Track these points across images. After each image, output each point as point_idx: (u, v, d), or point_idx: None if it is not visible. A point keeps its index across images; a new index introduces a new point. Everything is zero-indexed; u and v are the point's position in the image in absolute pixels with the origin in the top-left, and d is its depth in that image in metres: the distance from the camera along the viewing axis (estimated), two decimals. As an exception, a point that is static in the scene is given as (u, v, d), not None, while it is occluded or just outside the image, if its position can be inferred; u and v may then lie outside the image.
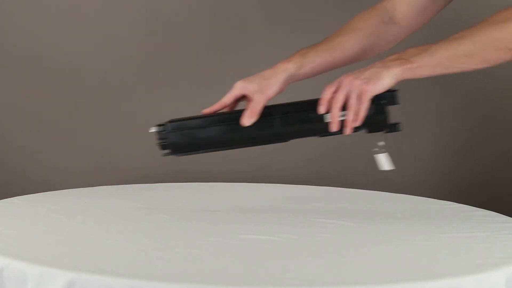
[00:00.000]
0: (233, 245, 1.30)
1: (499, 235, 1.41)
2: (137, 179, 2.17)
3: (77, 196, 1.69)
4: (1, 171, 2.34)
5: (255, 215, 1.55)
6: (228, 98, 1.54)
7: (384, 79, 1.43)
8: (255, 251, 1.27)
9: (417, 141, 2.34)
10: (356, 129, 1.46)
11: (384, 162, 1.51)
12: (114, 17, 2.30)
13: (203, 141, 1.52)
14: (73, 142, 2.34)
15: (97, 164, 2.34)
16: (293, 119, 1.50)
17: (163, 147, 1.51)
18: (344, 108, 1.44)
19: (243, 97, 1.54)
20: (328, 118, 1.45)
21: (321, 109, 1.45)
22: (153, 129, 1.51)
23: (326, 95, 1.45)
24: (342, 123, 1.45)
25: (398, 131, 1.48)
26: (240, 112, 1.50)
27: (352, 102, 1.43)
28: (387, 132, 1.48)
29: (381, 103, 1.46)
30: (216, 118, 1.52)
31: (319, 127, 1.47)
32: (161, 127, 1.50)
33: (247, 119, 1.49)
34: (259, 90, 1.52)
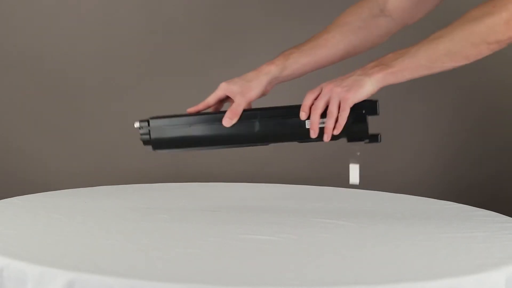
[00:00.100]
0: (233, 245, 1.30)
1: (499, 235, 1.41)
2: (137, 179, 2.18)
3: (77, 196, 1.69)
4: (1, 171, 2.34)
5: (255, 215, 1.55)
6: (211, 99, 1.56)
7: (365, 87, 1.43)
8: (255, 251, 1.27)
9: (417, 141, 2.35)
10: (336, 137, 1.46)
11: (353, 174, 1.51)
12: (114, 17, 2.31)
13: (184, 139, 1.53)
14: (73, 142, 2.34)
15: (97, 164, 2.34)
16: (274, 123, 1.51)
17: (145, 142, 1.54)
18: (324, 115, 1.44)
19: (227, 98, 1.55)
20: (308, 124, 1.46)
21: (302, 116, 1.46)
22: (136, 125, 1.53)
23: (307, 101, 1.46)
24: (322, 130, 1.45)
25: (378, 142, 1.48)
26: (221, 113, 1.52)
27: (332, 110, 1.43)
28: (367, 143, 1.48)
29: (362, 112, 1.47)
30: (198, 117, 1.54)
31: (299, 132, 1.48)
32: (144, 122, 1.53)
33: (227, 120, 1.50)
34: (241, 92, 1.53)
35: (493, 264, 1.20)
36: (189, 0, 2.31)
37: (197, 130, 1.53)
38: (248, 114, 1.51)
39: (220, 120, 1.51)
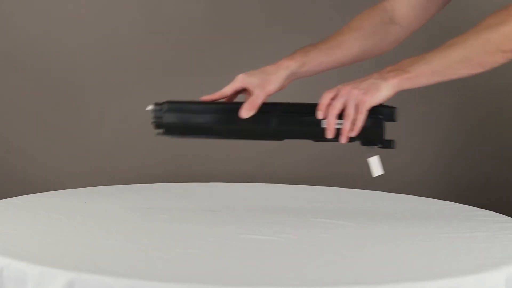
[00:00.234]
0: (233, 245, 1.30)
1: (499, 235, 1.41)
2: (137, 179, 2.18)
3: (77, 196, 1.69)
4: (1, 171, 2.34)
5: (255, 215, 1.55)
6: (228, 89, 1.54)
7: (382, 91, 1.43)
8: (255, 251, 1.27)
9: (417, 141, 2.35)
10: (351, 139, 1.46)
11: (375, 166, 1.51)
12: (114, 17, 2.31)
13: (198, 126, 1.52)
14: (73, 142, 2.34)
15: (97, 164, 2.34)
16: (291, 119, 1.50)
17: (157, 126, 1.51)
18: (340, 116, 1.45)
19: (242, 90, 1.54)
20: (325, 123, 1.46)
21: (319, 115, 1.45)
22: (150, 107, 1.51)
23: (324, 100, 1.45)
24: (338, 131, 1.45)
25: (392, 148, 1.49)
26: (238, 104, 1.50)
27: (350, 112, 1.43)
28: (380, 148, 1.49)
29: (379, 117, 1.47)
30: (214, 106, 1.52)
31: (315, 131, 1.47)
32: (158, 106, 1.51)
33: (246, 112, 1.49)
34: (260, 85, 1.52)
35: (493, 264, 1.20)
36: (189, 0, 2.31)
37: (213, 118, 1.51)
38: (266, 107, 1.50)
39: (237, 111, 1.48)
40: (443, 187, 2.36)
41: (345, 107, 1.44)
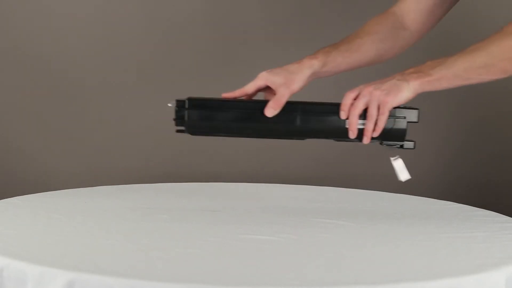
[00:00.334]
0: (233, 245, 1.30)
1: (499, 235, 1.41)
2: (137, 179, 2.18)
3: (77, 196, 1.69)
4: (1, 171, 2.34)
5: (255, 215, 1.55)
6: (250, 87, 1.53)
7: (404, 92, 1.44)
8: (255, 251, 1.27)
9: (417, 141, 2.34)
10: (373, 139, 1.47)
11: (401, 170, 1.52)
12: (114, 17, 2.31)
13: (220, 124, 1.49)
14: (73, 142, 2.34)
15: (97, 164, 2.34)
16: (314, 119, 1.49)
17: (178, 123, 1.49)
18: (362, 116, 1.45)
19: (264, 89, 1.54)
20: (347, 124, 1.46)
21: (342, 115, 1.46)
22: (171, 104, 1.48)
23: (347, 100, 1.46)
24: (360, 131, 1.45)
25: (412, 148, 1.49)
26: (262, 103, 1.48)
27: (372, 112, 1.44)
28: (400, 148, 1.49)
29: (401, 118, 1.47)
30: (237, 104, 1.50)
31: (337, 131, 1.48)
32: (180, 102, 1.48)
33: (271, 110, 1.48)
34: (285, 84, 1.51)
35: (493, 264, 1.20)
36: (189, 0, 2.31)
37: (236, 117, 1.49)
38: (289, 107, 1.48)
39: (261, 109, 1.47)
40: (443, 187, 2.36)
41: (367, 108, 1.44)
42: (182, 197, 1.74)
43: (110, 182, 1.94)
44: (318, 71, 1.56)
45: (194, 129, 1.50)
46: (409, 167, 2.33)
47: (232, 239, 1.34)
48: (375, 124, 1.45)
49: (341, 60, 1.59)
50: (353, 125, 1.45)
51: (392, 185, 2.04)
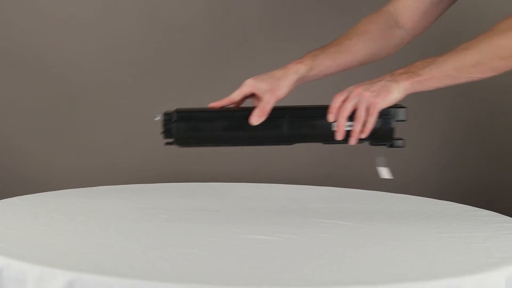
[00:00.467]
0: (233, 245, 1.30)
1: (499, 235, 1.41)
2: (137, 179, 2.18)
3: (77, 196, 1.69)
4: (1, 171, 2.34)
5: (255, 215, 1.55)
6: (237, 95, 1.53)
7: (393, 93, 1.44)
8: (255, 251, 1.27)
9: (417, 141, 2.35)
10: (361, 140, 1.46)
11: (383, 169, 1.51)
12: (115, 18, 2.31)
13: (208, 134, 1.50)
14: (73, 142, 2.34)
15: (97, 164, 2.34)
16: (301, 123, 1.49)
17: (167, 136, 1.49)
18: (351, 118, 1.45)
19: (250, 95, 1.54)
20: (335, 126, 1.46)
21: (330, 118, 1.45)
22: (158, 117, 1.49)
23: (335, 103, 1.45)
24: (348, 133, 1.45)
25: (401, 147, 1.49)
26: (248, 110, 1.49)
27: (361, 114, 1.44)
28: (390, 147, 1.49)
29: (389, 117, 1.47)
30: (223, 113, 1.51)
31: (324, 134, 1.47)
32: (167, 115, 1.49)
33: (256, 118, 1.48)
34: (270, 90, 1.51)
35: (493, 264, 1.20)
36: (189, 0, 2.31)
37: (223, 126, 1.49)
38: (275, 113, 1.49)
39: (247, 117, 1.47)
40: (443, 187, 2.36)
41: (356, 109, 1.44)
42: (182, 197, 1.74)
43: (110, 182, 1.94)
44: (304, 76, 1.56)
45: (182, 141, 1.50)
46: (409, 167, 2.34)
47: (232, 239, 1.34)
48: (364, 125, 1.44)
49: (330, 62, 1.58)
50: (341, 127, 1.45)
51: (391, 185, 2.05)
